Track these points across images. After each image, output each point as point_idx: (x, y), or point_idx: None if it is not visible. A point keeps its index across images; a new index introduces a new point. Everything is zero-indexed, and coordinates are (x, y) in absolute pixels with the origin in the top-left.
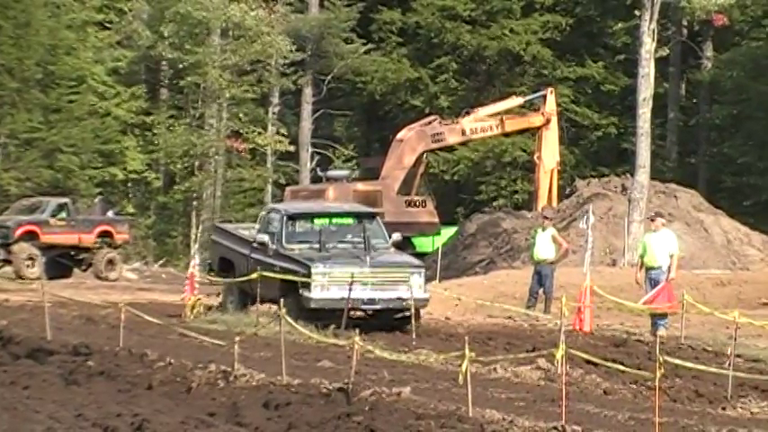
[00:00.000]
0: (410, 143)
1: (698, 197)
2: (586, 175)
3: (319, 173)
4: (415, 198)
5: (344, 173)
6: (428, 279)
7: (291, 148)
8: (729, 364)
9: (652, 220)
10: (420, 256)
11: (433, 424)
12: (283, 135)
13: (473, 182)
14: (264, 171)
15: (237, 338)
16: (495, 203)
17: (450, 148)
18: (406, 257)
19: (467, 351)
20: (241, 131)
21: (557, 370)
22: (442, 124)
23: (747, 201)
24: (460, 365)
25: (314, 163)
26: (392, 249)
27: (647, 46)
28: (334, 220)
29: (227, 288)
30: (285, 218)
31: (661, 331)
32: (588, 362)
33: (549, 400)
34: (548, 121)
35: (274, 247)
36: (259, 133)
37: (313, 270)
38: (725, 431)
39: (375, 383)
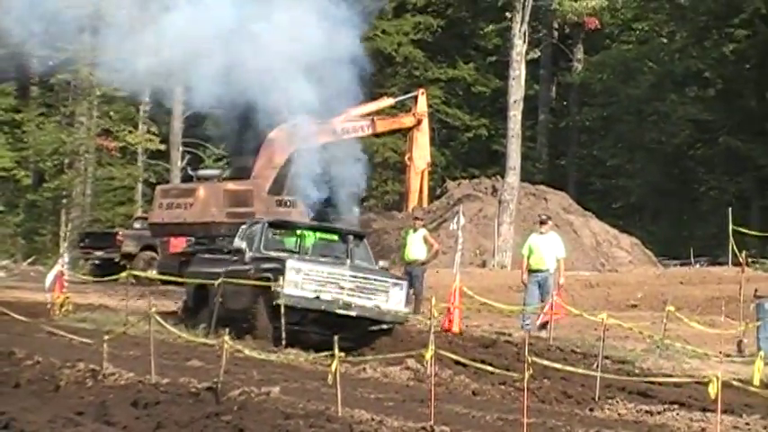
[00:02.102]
0: (281, 142)
1: (567, 199)
2: (457, 177)
3: (190, 172)
4: (286, 198)
5: (215, 172)
6: None
7: (162, 147)
8: (597, 366)
9: (542, 223)
10: None
11: (301, 423)
12: (154, 134)
13: None
14: (135, 170)
15: (106, 337)
16: (365, 203)
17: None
18: (388, 272)
19: (336, 351)
20: (111, 130)
21: (426, 370)
22: (314, 124)
23: (616, 203)
24: (330, 365)
25: (185, 162)
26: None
27: (519, 48)
28: (318, 235)
29: (200, 314)
30: (266, 224)
31: (540, 332)
32: (457, 362)
33: (418, 401)
34: (419, 122)
35: (252, 253)
36: (130, 132)
37: (287, 265)
38: None
39: (244, 383)
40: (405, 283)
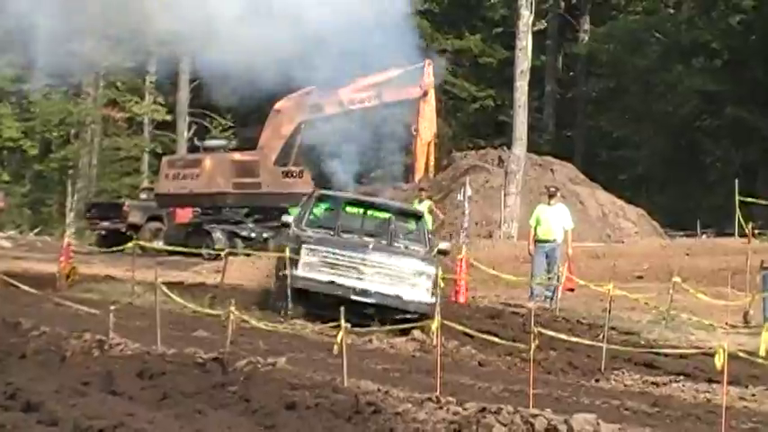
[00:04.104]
0: (288, 113)
1: (574, 170)
2: (463, 148)
3: (196, 142)
4: (293, 168)
5: (222, 142)
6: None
7: (169, 118)
8: (603, 337)
9: (551, 196)
10: None
11: (308, 394)
12: (160, 104)
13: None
14: (141, 140)
15: (113, 307)
16: (372, 174)
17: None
18: (418, 258)
19: (342, 322)
20: (118, 100)
21: (432, 341)
22: (321, 95)
23: (623, 174)
24: (336, 336)
25: (191, 132)
26: (423, 252)
27: (525, 18)
28: (369, 212)
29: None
30: (314, 199)
31: (551, 304)
32: (463, 333)
33: (425, 372)
34: (425, 93)
35: (294, 230)
36: (136, 102)
37: (303, 247)
38: (598, 403)
39: (250, 353)
40: (433, 272)
